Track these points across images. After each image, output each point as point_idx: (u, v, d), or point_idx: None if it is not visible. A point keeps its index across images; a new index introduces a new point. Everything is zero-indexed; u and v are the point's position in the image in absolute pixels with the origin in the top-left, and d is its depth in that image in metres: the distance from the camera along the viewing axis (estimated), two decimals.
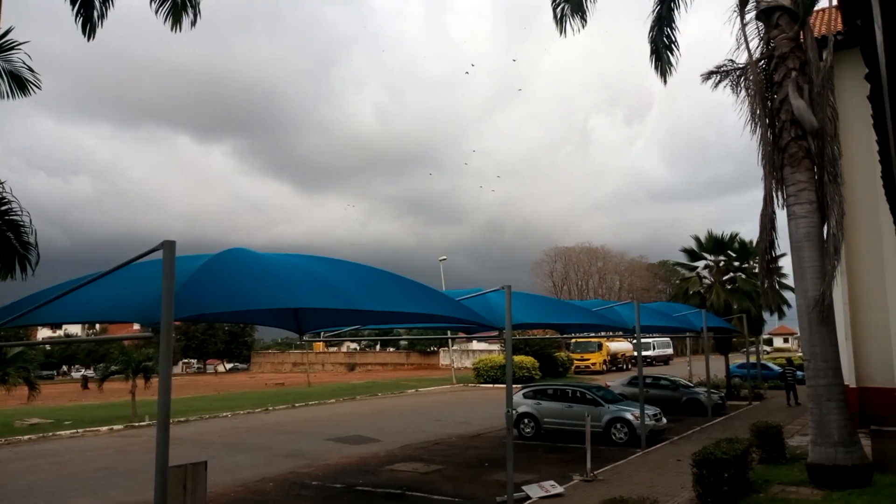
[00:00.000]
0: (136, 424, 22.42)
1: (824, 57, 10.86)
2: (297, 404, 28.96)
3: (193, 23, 10.99)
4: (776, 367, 35.91)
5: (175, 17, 10.82)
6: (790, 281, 12.79)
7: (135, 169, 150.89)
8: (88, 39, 10.64)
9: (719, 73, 12.70)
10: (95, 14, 10.65)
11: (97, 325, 71.11)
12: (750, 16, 11.38)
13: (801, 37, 11.06)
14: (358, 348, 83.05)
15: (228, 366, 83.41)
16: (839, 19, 16.08)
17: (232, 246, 6.75)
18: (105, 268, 5.67)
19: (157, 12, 10.89)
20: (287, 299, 6.29)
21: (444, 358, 65.63)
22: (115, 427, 21.94)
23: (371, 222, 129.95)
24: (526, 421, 17.64)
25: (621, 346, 53.02)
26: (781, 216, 11.10)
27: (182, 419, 23.38)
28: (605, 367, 49.50)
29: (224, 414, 25.48)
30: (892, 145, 2.85)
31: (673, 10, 12.76)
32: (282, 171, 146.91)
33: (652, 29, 13.16)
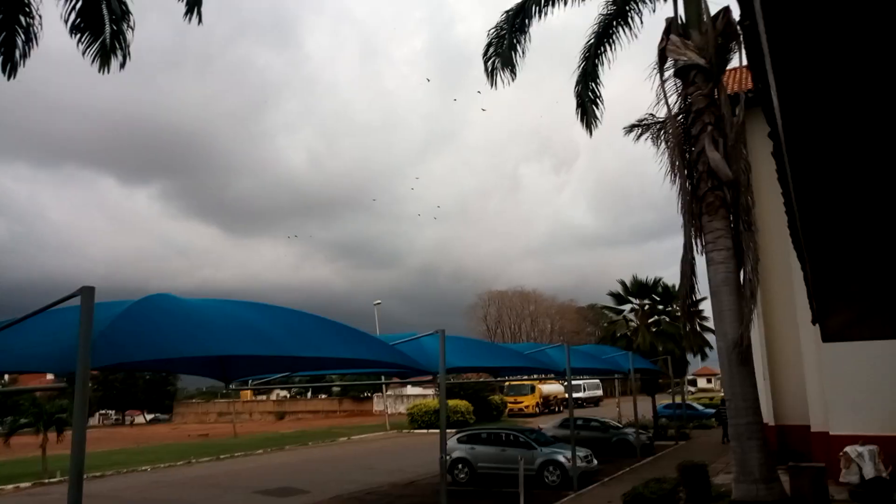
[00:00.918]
0: (47, 481, 20.91)
1: (737, 112, 11.55)
2: (222, 456, 27.72)
3: (123, 64, 10.76)
4: (700, 407, 37.02)
5: (103, 58, 10.58)
6: (711, 324, 13.32)
7: (54, 211, 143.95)
8: (9, 79, 10.25)
9: (641, 127, 13.36)
10: (17, 54, 10.30)
11: (6, 376, 66.54)
12: (668, 73, 12.03)
13: (716, 94, 11.76)
14: (288, 396, 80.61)
15: (149, 416, 79.29)
16: (749, 78, 17.25)
17: (155, 292, 6.52)
18: (19, 315, 5.37)
19: (84, 53, 10.63)
20: (212, 347, 6.10)
21: (377, 404, 64.50)
22: (22, 485, 20.39)
23: (304, 266, 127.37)
24: (460, 466, 17.44)
25: (553, 388, 53.55)
26: (701, 262, 11.62)
27: (98, 474, 21.98)
28: (538, 409, 49.81)
29: (143, 468, 24.10)
30: (793, 198, 3.07)
31: (597, 67, 13.40)
32: (210, 214, 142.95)
33: (578, 83, 13.75)
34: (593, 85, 13.50)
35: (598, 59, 13.39)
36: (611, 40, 13.51)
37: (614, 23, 13.45)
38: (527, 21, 13.54)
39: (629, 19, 13.36)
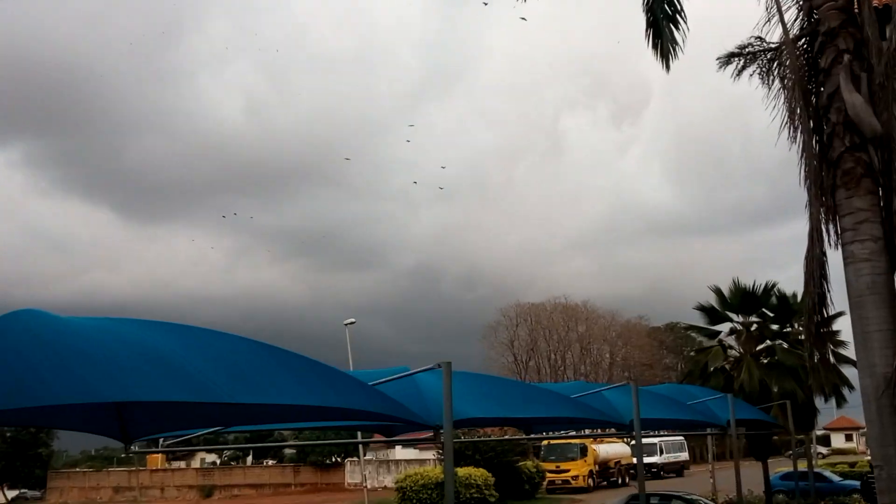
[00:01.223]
0: None
1: (888, 35, 11.42)
2: None
3: None
4: (836, 478, 36.91)
5: None
6: (851, 351, 13.28)
7: None
8: None
9: (743, 56, 13.29)
10: None
11: None
12: None
13: (856, 6, 11.64)
14: (218, 462, 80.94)
15: (11, 494, 79.71)
16: None
17: (19, 306, 6.52)
18: None
19: None
20: (104, 389, 6.11)
21: (351, 474, 64.58)
22: None
23: (239, 267, 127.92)
24: None
25: (615, 449, 53.57)
26: (836, 259, 11.52)
27: None
28: (591, 481, 49.81)
29: None
30: None
31: None
32: (99, 191, 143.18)
33: None
34: None
35: None
36: None
37: None
38: None
39: None
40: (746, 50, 13.07)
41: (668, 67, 13.61)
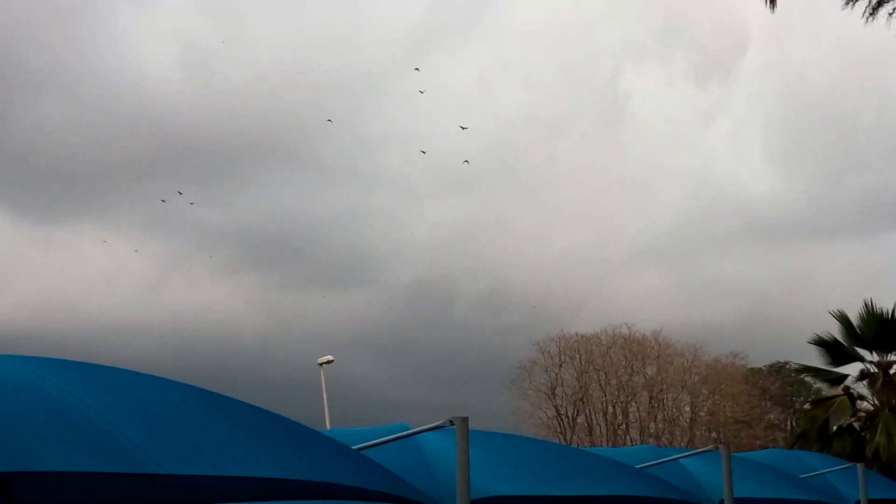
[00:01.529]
0: None
1: None
2: None
3: None
4: None
5: None
6: None
7: None
8: None
9: None
10: None
11: None
12: None
13: None
14: None
15: None
16: None
17: None
18: None
19: None
20: None
21: None
22: None
23: (171, 282, 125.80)
24: None
25: None
26: None
27: None
28: None
29: None
30: None
31: None
32: None
33: None
34: None
35: None
36: None
37: None
38: None
39: None
40: None
41: (773, 3, 13.40)
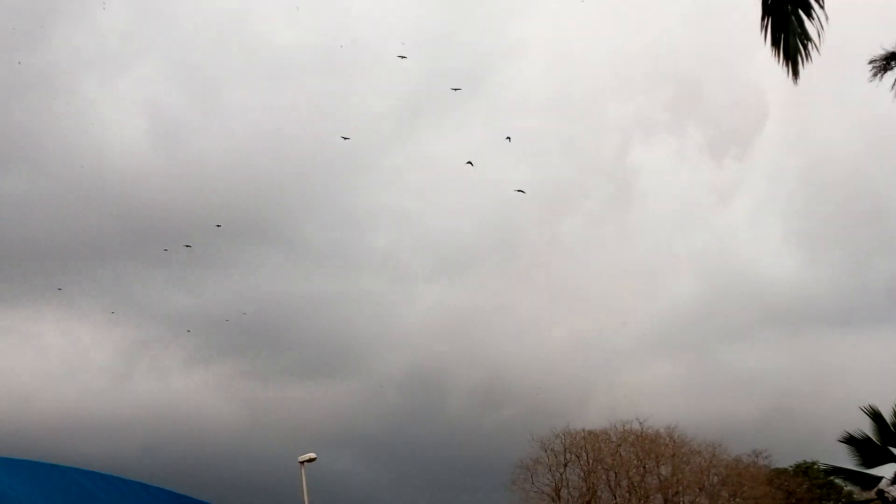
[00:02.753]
0: None
1: None
2: None
3: None
4: None
5: None
6: None
7: None
8: None
9: None
10: None
11: None
12: None
13: None
14: None
15: None
16: None
17: None
18: None
19: None
20: None
21: None
22: None
23: (137, 372, 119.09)
24: None
25: None
26: None
27: None
28: None
29: None
30: None
31: None
32: None
33: None
34: None
35: None
36: None
37: None
38: None
39: None
40: None
41: (795, 74, 13.48)
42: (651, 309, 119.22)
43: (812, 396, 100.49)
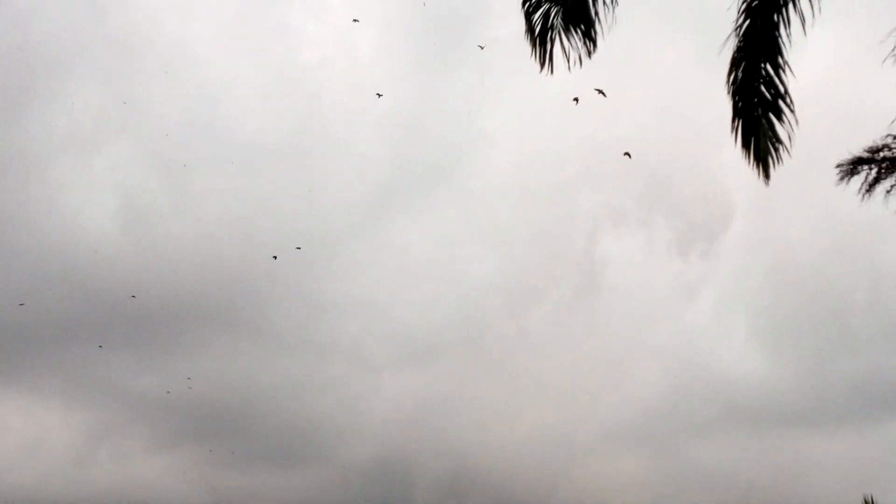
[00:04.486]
0: None
1: None
2: None
3: None
4: None
5: None
6: None
7: None
8: None
9: (876, 164, 12.91)
10: None
11: None
12: None
13: None
14: None
15: None
16: None
17: None
18: None
19: None
20: None
21: None
22: None
23: (100, 456, 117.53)
24: None
25: None
26: None
27: None
28: None
29: None
30: None
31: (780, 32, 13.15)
32: None
33: (733, 71, 13.41)
34: (772, 71, 13.17)
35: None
36: None
37: None
38: None
39: None
40: (881, 155, 12.72)
41: (767, 176, 13.49)
42: (616, 401, 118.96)
43: (774, 495, 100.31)
